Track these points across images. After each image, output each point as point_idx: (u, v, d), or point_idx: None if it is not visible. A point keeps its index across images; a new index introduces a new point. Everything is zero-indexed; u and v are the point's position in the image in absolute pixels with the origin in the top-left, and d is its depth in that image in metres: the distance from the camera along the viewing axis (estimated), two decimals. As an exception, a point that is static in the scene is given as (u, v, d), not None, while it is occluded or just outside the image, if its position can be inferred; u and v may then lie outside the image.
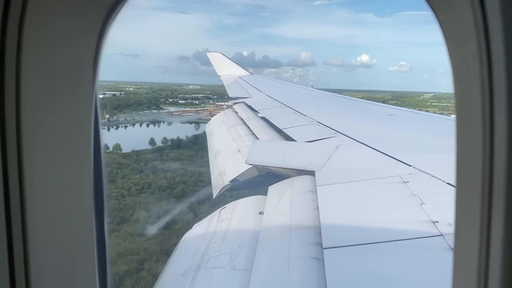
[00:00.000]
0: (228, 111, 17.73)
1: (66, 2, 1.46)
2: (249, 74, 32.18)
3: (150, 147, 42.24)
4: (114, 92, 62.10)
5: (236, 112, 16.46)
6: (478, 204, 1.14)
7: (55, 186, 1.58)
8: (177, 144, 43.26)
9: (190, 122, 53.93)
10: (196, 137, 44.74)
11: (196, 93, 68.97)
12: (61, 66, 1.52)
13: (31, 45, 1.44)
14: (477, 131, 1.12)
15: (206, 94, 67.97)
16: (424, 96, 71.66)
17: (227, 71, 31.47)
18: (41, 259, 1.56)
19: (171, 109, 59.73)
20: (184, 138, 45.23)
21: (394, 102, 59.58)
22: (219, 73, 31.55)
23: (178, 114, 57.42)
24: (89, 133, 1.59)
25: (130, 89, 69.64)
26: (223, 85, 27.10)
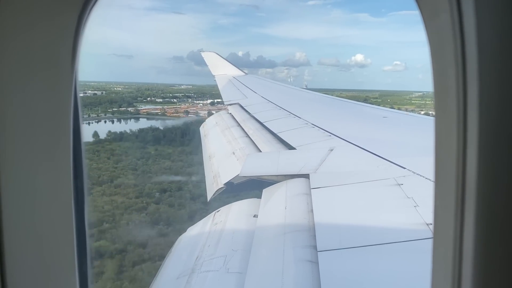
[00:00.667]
0: (223, 112, 17.69)
1: None
2: (244, 74, 32.11)
3: (92, 139, 43.35)
4: (96, 92, 62.31)
5: (230, 114, 16.45)
6: (453, 193, 1.17)
7: (32, 183, 1.54)
8: (119, 137, 45.00)
9: (149, 119, 55.71)
10: (141, 131, 47.17)
11: (180, 93, 69.54)
12: (37, 57, 1.48)
13: (6, 34, 1.41)
14: (453, 113, 1.14)
15: (189, 93, 68.66)
16: (413, 95, 72.24)
17: (221, 71, 31.33)
18: (17, 258, 1.52)
19: (142, 107, 60.69)
20: (128, 131, 47.10)
21: (375, 100, 60.18)
22: (213, 73, 31.41)
23: (145, 112, 58.51)
24: (68, 128, 1.55)
25: (118, 89, 69.70)
26: (215, 85, 27.25)
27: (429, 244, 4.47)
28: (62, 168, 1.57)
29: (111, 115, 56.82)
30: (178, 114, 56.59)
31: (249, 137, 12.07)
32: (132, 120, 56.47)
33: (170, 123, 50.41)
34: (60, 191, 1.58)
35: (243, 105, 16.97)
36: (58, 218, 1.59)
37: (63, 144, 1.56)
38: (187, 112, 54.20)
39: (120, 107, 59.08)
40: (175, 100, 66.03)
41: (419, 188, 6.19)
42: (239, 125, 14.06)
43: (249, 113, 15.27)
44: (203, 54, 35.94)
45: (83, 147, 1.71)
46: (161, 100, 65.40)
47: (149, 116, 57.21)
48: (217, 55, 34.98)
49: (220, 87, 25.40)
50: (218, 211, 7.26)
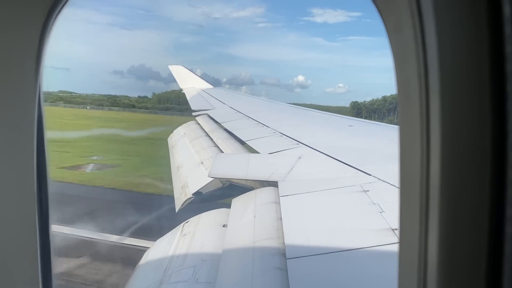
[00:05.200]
0: (191, 123, 17.58)
1: None
2: (212, 87, 32.20)
3: None
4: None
5: (199, 124, 16.35)
6: (417, 200, 1.20)
7: None
8: None
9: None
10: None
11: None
12: (2, 60, 1.46)
13: None
14: (416, 123, 1.18)
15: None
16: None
17: (189, 84, 31.32)
18: None
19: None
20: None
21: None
22: (181, 86, 31.34)
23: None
24: (31, 133, 1.54)
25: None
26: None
27: (393, 248, 4.56)
28: (25, 172, 1.54)
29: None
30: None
31: (218, 147, 12.02)
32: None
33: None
34: (23, 194, 1.56)
35: (211, 116, 16.93)
36: (21, 220, 1.56)
37: (26, 153, 1.54)
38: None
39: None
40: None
41: (384, 194, 6.34)
42: (207, 135, 13.99)
43: (217, 123, 15.24)
44: (171, 68, 35.74)
45: (47, 156, 1.70)
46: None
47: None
48: (185, 69, 34.89)
49: (188, 99, 25.31)
50: (187, 222, 7.16)
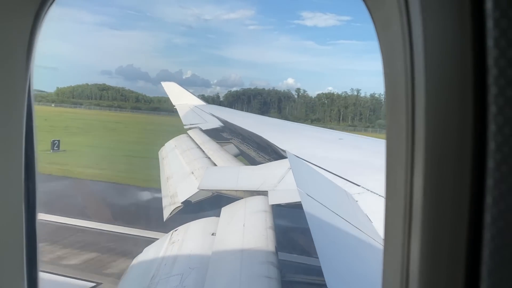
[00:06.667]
0: (182, 136, 17.58)
1: None
2: (204, 104, 32.45)
3: None
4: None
5: (190, 137, 16.36)
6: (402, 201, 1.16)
7: None
8: None
9: None
10: None
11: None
12: None
13: None
14: (402, 121, 1.16)
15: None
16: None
17: (182, 101, 31.51)
18: None
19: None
20: None
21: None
22: (174, 103, 31.50)
23: None
24: (20, 129, 1.55)
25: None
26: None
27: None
28: (13, 167, 1.55)
29: None
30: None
31: (209, 158, 12.01)
32: None
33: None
34: (11, 189, 1.56)
35: (203, 129, 16.97)
36: (7, 219, 1.55)
37: (15, 145, 1.55)
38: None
39: None
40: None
41: (373, 204, 6.36)
42: (198, 147, 13.99)
43: (209, 136, 15.28)
44: (164, 85, 36.07)
45: (36, 149, 1.71)
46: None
47: None
48: (177, 86, 35.17)
49: (181, 114, 25.36)
50: (175, 230, 7.11)
